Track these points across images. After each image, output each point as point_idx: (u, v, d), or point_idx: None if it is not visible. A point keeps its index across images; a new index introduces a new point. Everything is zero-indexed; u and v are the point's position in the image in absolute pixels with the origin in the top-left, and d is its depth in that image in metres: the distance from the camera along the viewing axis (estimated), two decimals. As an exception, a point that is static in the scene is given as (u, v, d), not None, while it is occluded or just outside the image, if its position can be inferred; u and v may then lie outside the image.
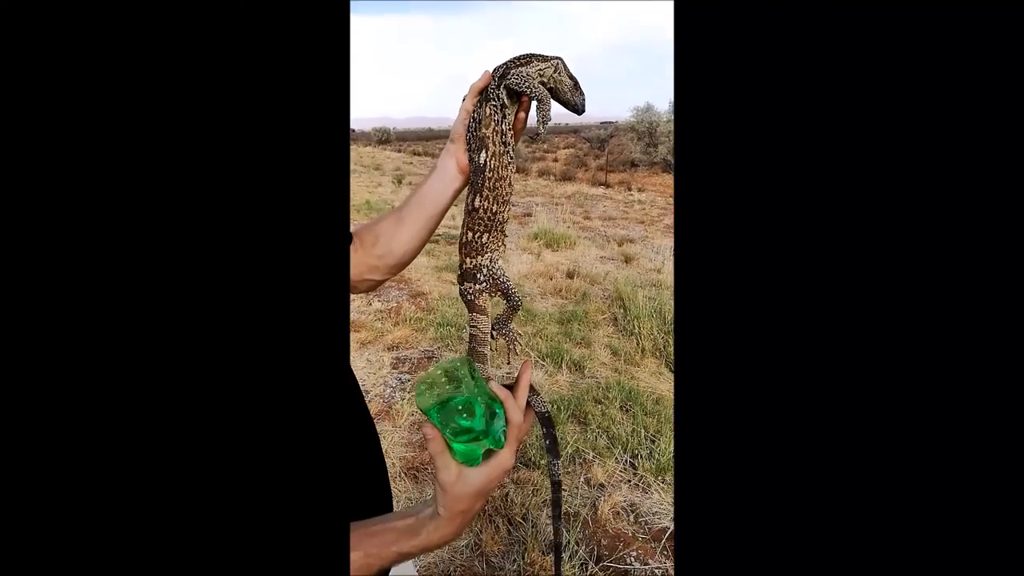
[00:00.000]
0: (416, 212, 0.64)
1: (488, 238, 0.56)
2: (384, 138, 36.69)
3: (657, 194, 10.20)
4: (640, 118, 15.26)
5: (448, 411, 0.49)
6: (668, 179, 12.13)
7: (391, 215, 0.68)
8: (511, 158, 0.55)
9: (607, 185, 11.68)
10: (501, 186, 0.55)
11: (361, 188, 10.27)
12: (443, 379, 0.51)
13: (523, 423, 0.52)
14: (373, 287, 0.71)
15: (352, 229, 0.69)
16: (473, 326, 0.59)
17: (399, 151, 27.59)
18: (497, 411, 0.50)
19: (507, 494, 1.85)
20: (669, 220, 7.45)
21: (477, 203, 0.55)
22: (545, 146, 23.51)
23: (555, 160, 17.76)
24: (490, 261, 0.57)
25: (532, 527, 1.71)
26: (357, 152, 25.40)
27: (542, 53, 0.56)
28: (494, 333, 0.59)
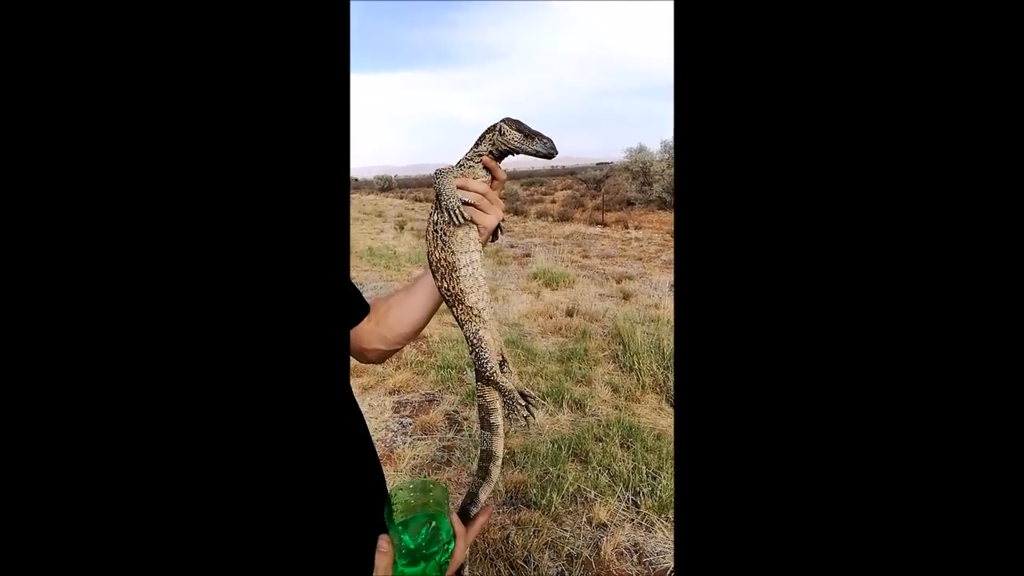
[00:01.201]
0: (424, 287, 0.70)
1: (459, 311, 0.63)
2: (386, 186, 37.63)
3: (653, 231, 10.37)
4: (634, 158, 15.71)
5: (398, 528, 0.52)
6: (664, 216, 12.35)
7: (402, 290, 0.75)
8: (446, 245, 0.62)
9: (604, 224, 11.88)
10: (448, 269, 0.62)
11: (363, 235, 10.48)
12: (410, 498, 0.55)
13: (460, 559, 0.55)
14: (382, 357, 0.77)
15: (369, 300, 0.76)
16: (480, 395, 0.64)
17: (401, 198, 28.21)
18: (443, 537, 0.53)
19: (508, 536, 1.84)
20: (666, 256, 7.55)
21: (439, 284, 0.64)
22: (543, 188, 24.03)
23: (553, 201, 18.14)
24: (470, 333, 0.63)
25: (534, 570, 1.69)
26: (360, 200, 25.97)
27: (494, 123, 0.62)
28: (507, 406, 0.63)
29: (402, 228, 11.45)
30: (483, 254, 0.64)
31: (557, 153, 0.60)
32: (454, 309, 0.63)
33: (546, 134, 0.60)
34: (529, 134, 0.60)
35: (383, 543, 0.52)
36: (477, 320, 0.62)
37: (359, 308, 0.74)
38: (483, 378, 0.62)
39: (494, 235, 0.68)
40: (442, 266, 0.63)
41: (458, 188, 0.62)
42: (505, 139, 0.60)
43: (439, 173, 0.63)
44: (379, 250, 8.10)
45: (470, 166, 0.63)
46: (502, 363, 0.64)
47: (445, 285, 0.63)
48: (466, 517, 0.66)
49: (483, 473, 0.65)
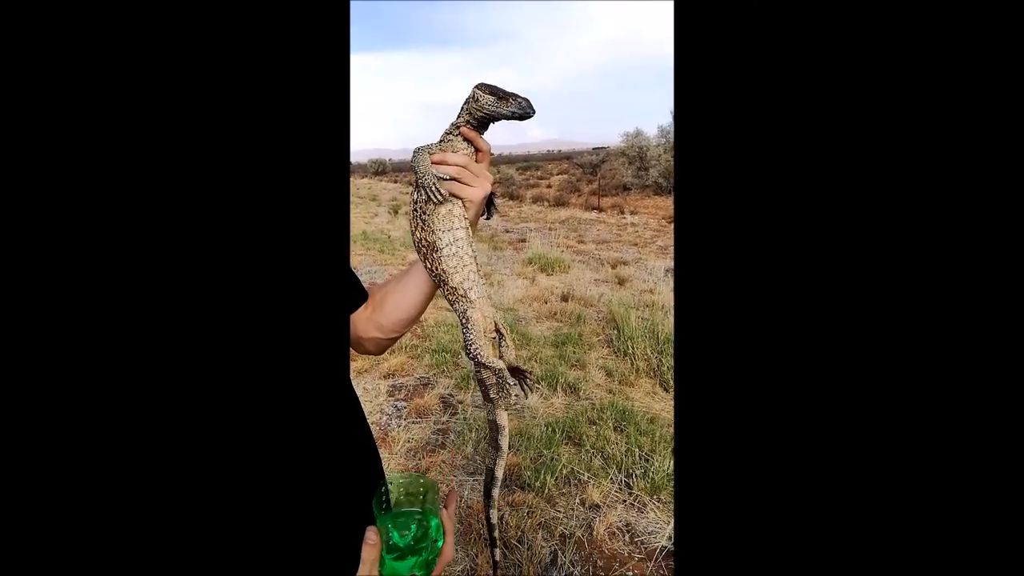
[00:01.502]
0: (419, 271, 0.68)
1: (445, 291, 0.62)
2: (380, 169, 37.30)
3: (649, 216, 10.35)
4: (630, 143, 15.62)
5: (387, 521, 0.52)
6: (660, 201, 12.33)
7: (398, 277, 0.73)
8: (426, 224, 0.61)
9: (600, 209, 11.85)
10: (429, 249, 0.61)
11: (358, 219, 10.40)
12: (400, 492, 0.54)
13: (449, 557, 0.55)
14: (379, 347, 0.74)
15: (367, 286, 0.74)
16: (477, 371, 0.63)
17: (395, 182, 27.97)
18: (432, 535, 0.52)
19: (502, 517, 1.86)
20: (662, 241, 7.55)
21: (425, 264, 0.63)
22: (539, 173, 23.88)
23: (548, 186, 18.03)
24: (459, 312, 0.62)
25: (527, 550, 1.71)
26: (354, 184, 25.72)
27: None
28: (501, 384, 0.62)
29: (396, 212, 11.37)
30: (469, 231, 0.62)
31: (534, 113, 0.57)
32: (441, 289, 0.62)
33: (522, 95, 0.57)
34: (503, 96, 0.57)
35: (371, 535, 0.51)
36: (464, 300, 0.61)
37: (357, 295, 0.72)
38: (470, 357, 0.61)
39: (488, 210, 0.65)
40: (423, 246, 0.61)
41: (437, 163, 0.60)
42: (480, 105, 0.58)
43: (416, 151, 0.61)
44: (373, 234, 8.05)
45: (449, 140, 0.60)
46: (500, 338, 0.63)
47: (429, 265, 0.62)
48: (488, 496, 0.68)
49: (495, 445, 0.66)
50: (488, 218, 0.67)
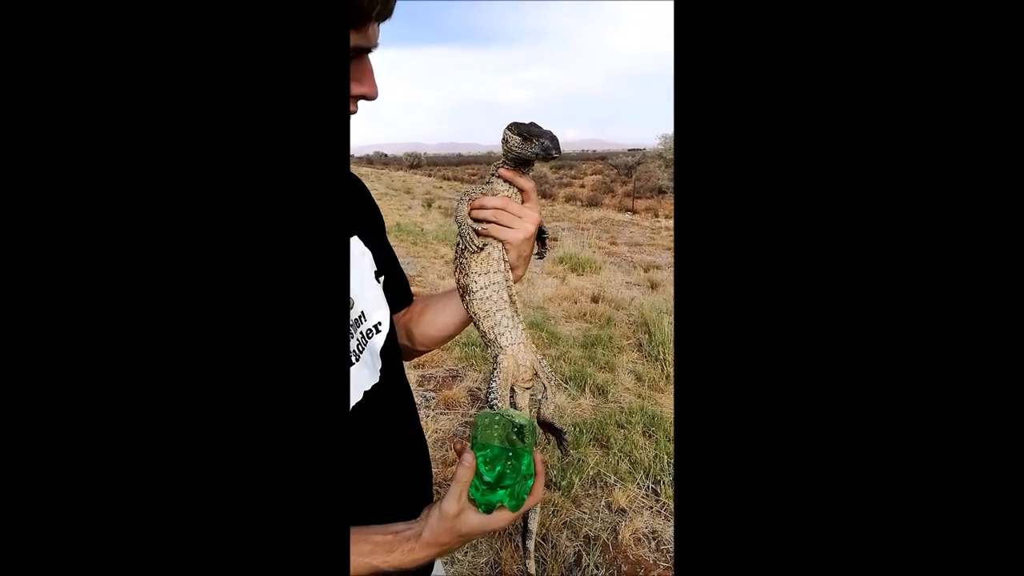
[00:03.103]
0: (458, 301, 0.67)
1: (479, 333, 0.61)
2: (415, 163, 37.76)
3: (684, 221, 10.14)
4: (668, 145, 15.35)
5: (479, 455, 0.53)
6: (696, 206, 12.06)
7: (440, 296, 0.73)
8: (462, 267, 0.60)
9: (634, 211, 11.70)
10: (463, 291, 0.61)
11: (392, 211, 10.56)
12: (496, 428, 0.55)
13: (538, 497, 0.56)
14: (404, 355, 0.73)
15: (417, 295, 0.75)
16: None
17: (429, 175, 28.29)
18: (523, 470, 0.54)
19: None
20: (696, 247, 7.40)
21: (464, 306, 0.62)
22: (573, 172, 23.75)
23: (582, 186, 17.91)
24: (490, 355, 0.61)
25: (552, 547, 1.71)
26: (389, 176, 26.14)
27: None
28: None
29: (430, 206, 11.49)
30: (508, 275, 0.60)
31: (558, 153, 0.54)
32: (483, 341, 0.62)
33: (548, 130, 0.55)
34: (527, 136, 0.54)
35: (468, 457, 0.52)
36: (494, 345, 0.60)
37: (403, 297, 0.73)
38: (488, 404, 0.59)
39: (540, 247, 0.64)
40: (460, 288, 0.61)
41: (475, 208, 0.59)
42: (510, 147, 0.56)
43: (459, 199, 0.60)
44: (407, 226, 8.16)
45: (489, 182, 0.59)
46: (544, 390, 0.62)
47: (465, 307, 0.62)
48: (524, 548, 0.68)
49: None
50: (541, 257, 0.66)
